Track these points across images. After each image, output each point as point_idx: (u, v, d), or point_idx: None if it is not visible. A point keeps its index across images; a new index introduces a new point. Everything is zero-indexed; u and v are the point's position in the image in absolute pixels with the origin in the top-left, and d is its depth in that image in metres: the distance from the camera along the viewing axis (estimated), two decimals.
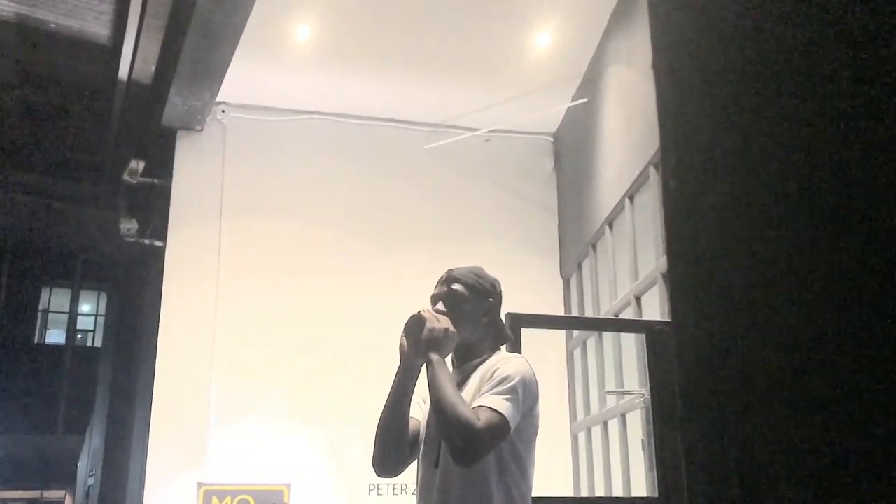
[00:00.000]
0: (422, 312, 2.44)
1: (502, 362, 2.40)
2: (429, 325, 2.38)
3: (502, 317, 2.66)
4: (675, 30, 0.79)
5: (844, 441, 0.59)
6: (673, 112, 0.77)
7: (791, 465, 0.63)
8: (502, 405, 2.24)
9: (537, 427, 2.39)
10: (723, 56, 0.75)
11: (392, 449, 2.45)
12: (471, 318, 2.48)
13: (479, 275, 2.57)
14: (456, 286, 2.51)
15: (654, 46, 0.79)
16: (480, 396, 2.28)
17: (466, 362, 2.49)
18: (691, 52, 0.78)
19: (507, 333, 2.62)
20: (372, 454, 2.48)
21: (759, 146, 0.70)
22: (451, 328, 2.40)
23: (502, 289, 2.62)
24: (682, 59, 0.78)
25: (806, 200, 0.65)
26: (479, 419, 2.20)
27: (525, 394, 2.30)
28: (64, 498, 17.85)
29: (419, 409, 2.51)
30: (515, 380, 2.29)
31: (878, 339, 0.58)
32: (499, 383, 2.29)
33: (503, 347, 2.61)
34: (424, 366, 2.39)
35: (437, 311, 2.46)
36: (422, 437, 2.48)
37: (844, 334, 0.60)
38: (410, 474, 2.55)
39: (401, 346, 2.43)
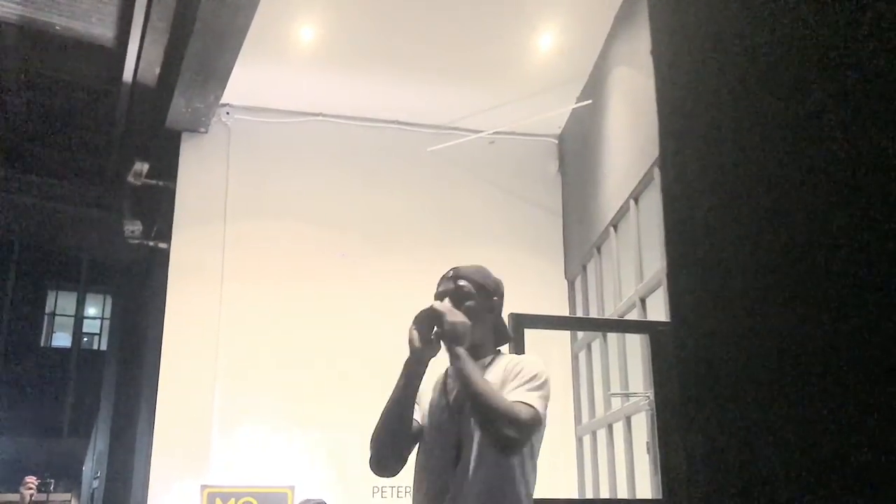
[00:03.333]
0: (437, 306, 2.35)
1: (525, 360, 2.38)
2: (449, 318, 2.29)
3: (504, 317, 2.64)
4: (675, 22, 0.77)
5: (842, 440, 0.58)
6: (671, 100, 0.76)
7: (789, 463, 0.62)
8: (537, 402, 2.25)
9: (545, 425, 2.38)
10: (722, 50, 0.73)
11: (399, 446, 2.37)
12: (477, 315, 2.40)
13: (484, 273, 2.54)
14: (462, 283, 2.46)
15: (654, 36, 0.78)
16: (512, 392, 2.26)
17: None
18: (690, 45, 0.76)
19: (509, 333, 2.60)
20: (371, 453, 2.39)
21: (757, 140, 0.69)
22: (468, 322, 2.32)
23: (505, 290, 2.61)
24: (681, 51, 0.76)
25: (803, 200, 0.64)
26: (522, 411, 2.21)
27: (548, 393, 2.32)
28: (69, 500, 17.86)
29: (416, 410, 2.43)
30: (543, 378, 2.30)
31: (875, 340, 0.57)
32: (529, 380, 2.28)
33: (504, 348, 2.58)
34: (434, 360, 2.35)
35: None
36: (427, 438, 2.41)
37: (841, 335, 0.59)
38: (409, 476, 2.50)
39: (411, 339, 2.31)
